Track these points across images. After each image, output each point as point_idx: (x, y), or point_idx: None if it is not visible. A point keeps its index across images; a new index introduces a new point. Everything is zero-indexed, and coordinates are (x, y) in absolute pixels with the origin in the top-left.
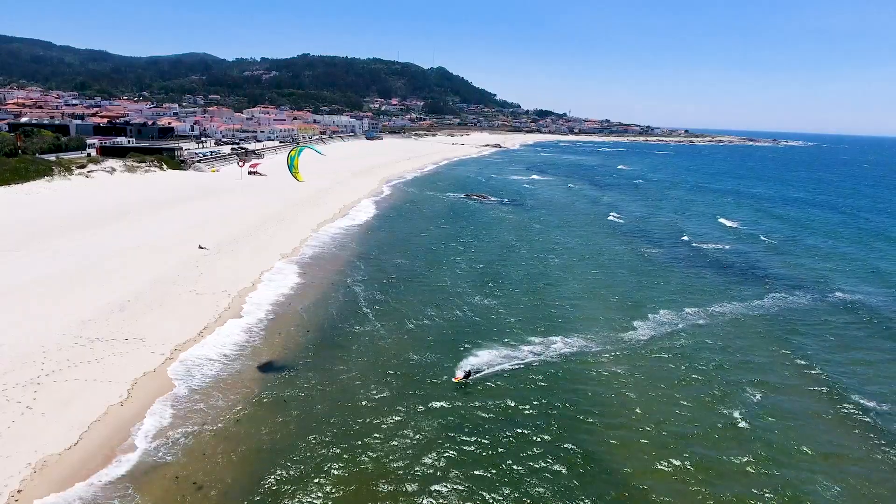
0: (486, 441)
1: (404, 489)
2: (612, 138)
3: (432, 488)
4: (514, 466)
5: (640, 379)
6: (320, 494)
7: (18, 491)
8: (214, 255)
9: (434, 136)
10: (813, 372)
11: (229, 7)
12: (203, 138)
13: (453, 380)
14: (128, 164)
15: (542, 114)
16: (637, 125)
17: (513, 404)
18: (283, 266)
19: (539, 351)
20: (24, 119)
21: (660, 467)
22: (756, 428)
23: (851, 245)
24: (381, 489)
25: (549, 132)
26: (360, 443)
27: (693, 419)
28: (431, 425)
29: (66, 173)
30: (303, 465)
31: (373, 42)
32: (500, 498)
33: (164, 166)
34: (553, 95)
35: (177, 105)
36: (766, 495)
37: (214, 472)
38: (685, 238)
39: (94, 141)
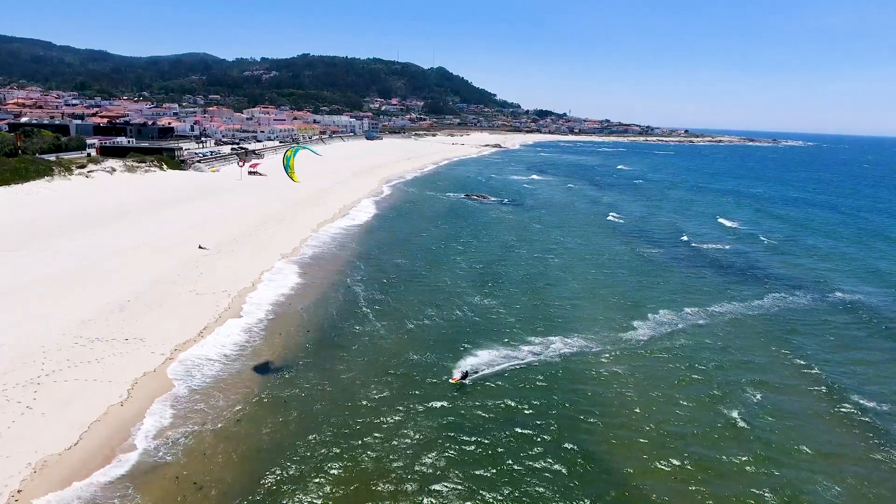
0: (486, 441)
1: (404, 489)
2: (612, 138)
3: (432, 488)
4: (514, 466)
5: (640, 379)
6: (320, 494)
7: (18, 491)
8: (214, 255)
9: (434, 136)
10: (813, 372)
11: (229, 7)
12: (203, 138)
13: (451, 381)
14: (128, 164)
15: (542, 114)
16: (637, 125)
17: (513, 404)
18: (283, 266)
19: (539, 351)
20: (24, 119)
21: (660, 467)
22: (756, 428)
23: (851, 245)
24: (381, 489)
25: (549, 132)
26: (360, 442)
27: (693, 419)
28: (431, 425)
29: (66, 173)
30: (303, 465)
31: (373, 42)
32: (500, 497)
33: (164, 166)
34: (553, 95)
35: (177, 105)
36: (766, 495)
37: (215, 472)
38: (685, 238)
39: (94, 141)
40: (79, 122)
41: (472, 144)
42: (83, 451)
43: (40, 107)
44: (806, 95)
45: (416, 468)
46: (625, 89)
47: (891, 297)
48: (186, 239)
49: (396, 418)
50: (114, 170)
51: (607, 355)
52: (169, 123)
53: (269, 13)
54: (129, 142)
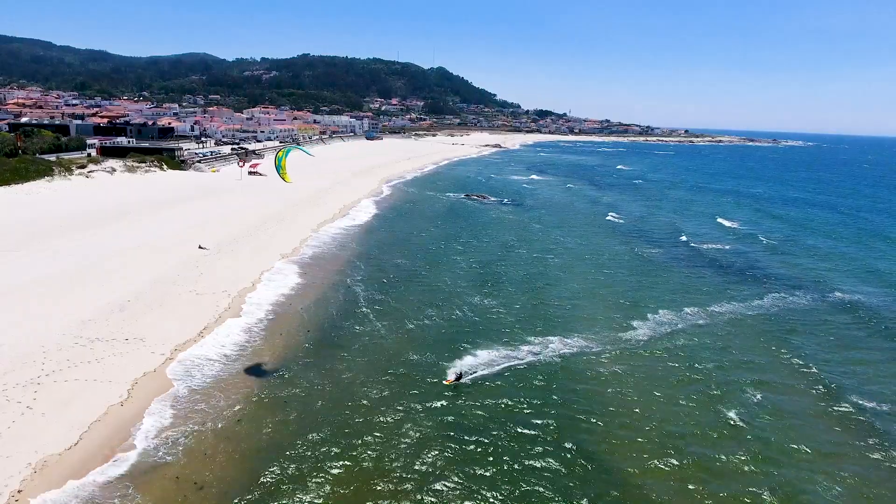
0: (485, 440)
1: (404, 488)
2: (612, 138)
3: (432, 487)
4: (514, 465)
5: (640, 379)
6: (321, 493)
7: (19, 491)
8: (214, 255)
9: (434, 136)
10: (812, 372)
11: (229, 7)
12: (203, 138)
13: (444, 382)
14: (128, 164)
15: (542, 114)
16: (637, 125)
17: (512, 404)
18: (283, 266)
19: (538, 351)
20: (24, 119)
21: (659, 467)
22: (755, 427)
23: (851, 245)
24: (381, 488)
25: (549, 132)
26: (360, 442)
27: (693, 419)
28: (431, 424)
29: (67, 173)
30: (303, 464)
31: (373, 42)
32: (500, 497)
33: (165, 166)
34: (553, 95)
35: (177, 105)
36: (766, 495)
37: (215, 472)
38: (684, 238)
39: (95, 141)
40: (79, 122)
41: (472, 144)
42: (83, 451)
43: (40, 107)
44: (806, 95)
45: (416, 467)
46: (625, 89)
47: (890, 297)
48: (186, 239)
49: (396, 418)
50: (114, 170)
51: (607, 355)
52: (169, 123)
53: (269, 13)
54: (129, 142)
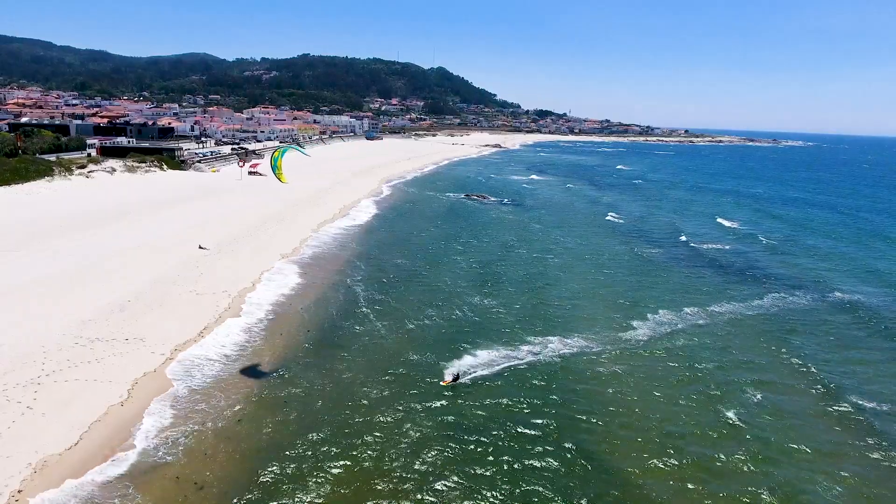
0: (485, 440)
1: (404, 487)
2: (612, 138)
3: (432, 487)
4: (514, 465)
5: (640, 379)
6: (321, 493)
7: (19, 491)
8: (214, 255)
9: (434, 136)
10: (812, 372)
11: (229, 7)
12: (203, 138)
13: (441, 383)
14: (128, 164)
15: (542, 114)
16: (637, 125)
17: (512, 404)
18: (283, 266)
19: (538, 351)
20: (24, 119)
21: (659, 466)
22: (755, 427)
23: (851, 245)
24: (381, 487)
25: (549, 132)
26: (360, 442)
27: (692, 419)
28: (431, 424)
29: (67, 173)
30: (303, 464)
31: (373, 42)
32: (500, 496)
33: (165, 166)
34: (553, 95)
35: (177, 105)
36: (765, 495)
37: (215, 472)
38: (684, 238)
39: (95, 141)
40: (79, 122)
41: (472, 144)
42: (84, 451)
43: (40, 107)
44: (806, 95)
45: (416, 467)
46: (625, 89)
47: (890, 297)
48: (186, 239)
49: (396, 418)
50: (114, 170)
51: (607, 355)
52: (169, 123)
53: (269, 13)
54: (129, 142)
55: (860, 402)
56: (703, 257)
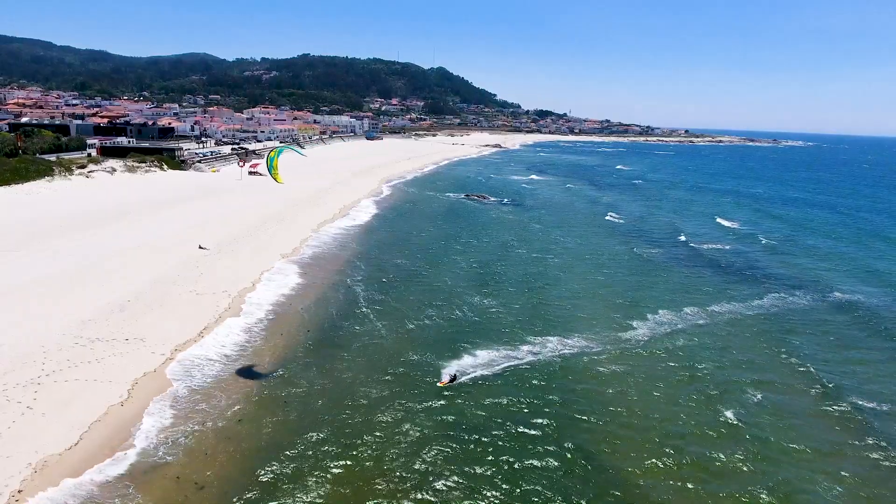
0: (485, 440)
1: (404, 487)
2: (612, 138)
3: (431, 486)
4: (513, 465)
5: (640, 379)
6: (321, 493)
7: (19, 491)
8: (214, 255)
9: (434, 136)
10: (811, 372)
11: (229, 7)
12: (203, 138)
13: (438, 384)
14: (128, 164)
15: (543, 114)
16: (637, 125)
17: (512, 404)
18: (283, 266)
19: (538, 350)
20: (24, 119)
21: (659, 466)
22: (755, 427)
23: (850, 245)
24: (381, 487)
25: (549, 132)
26: (360, 441)
27: (692, 419)
28: (431, 424)
29: (67, 173)
30: (303, 464)
31: (373, 42)
32: (499, 496)
33: (165, 166)
34: (553, 95)
35: (177, 105)
36: (765, 495)
37: (216, 472)
38: (683, 238)
39: (95, 141)
40: (79, 122)
41: (472, 144)
42: (84, 451)
43: (40, 107)
44: (806, 95)
45: (416, 467)
46: (625, 89)
47: (890, 297)
48: (186, 239)
49: (396, 417)
50: (114, 170)
51: (607, 355)
52: (169, 123)
53: (269, 13)
54: (129, 142)
55: (860, 402)
56: (703, 257)
